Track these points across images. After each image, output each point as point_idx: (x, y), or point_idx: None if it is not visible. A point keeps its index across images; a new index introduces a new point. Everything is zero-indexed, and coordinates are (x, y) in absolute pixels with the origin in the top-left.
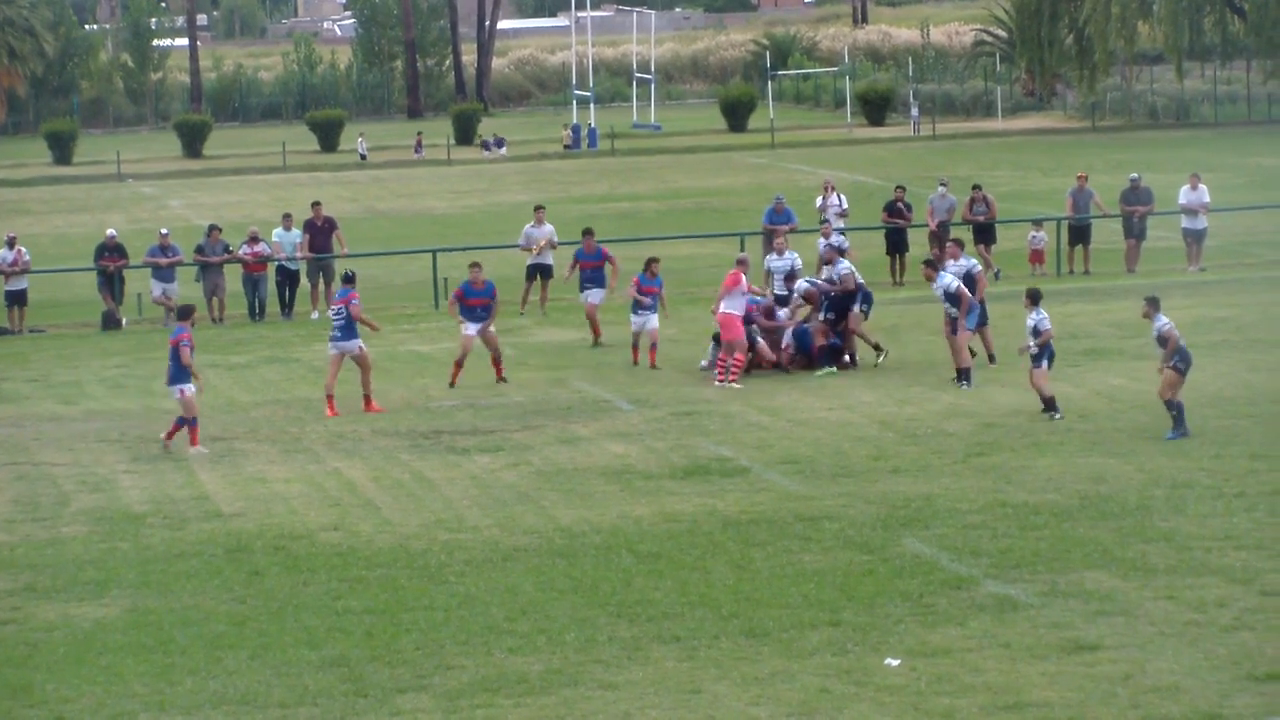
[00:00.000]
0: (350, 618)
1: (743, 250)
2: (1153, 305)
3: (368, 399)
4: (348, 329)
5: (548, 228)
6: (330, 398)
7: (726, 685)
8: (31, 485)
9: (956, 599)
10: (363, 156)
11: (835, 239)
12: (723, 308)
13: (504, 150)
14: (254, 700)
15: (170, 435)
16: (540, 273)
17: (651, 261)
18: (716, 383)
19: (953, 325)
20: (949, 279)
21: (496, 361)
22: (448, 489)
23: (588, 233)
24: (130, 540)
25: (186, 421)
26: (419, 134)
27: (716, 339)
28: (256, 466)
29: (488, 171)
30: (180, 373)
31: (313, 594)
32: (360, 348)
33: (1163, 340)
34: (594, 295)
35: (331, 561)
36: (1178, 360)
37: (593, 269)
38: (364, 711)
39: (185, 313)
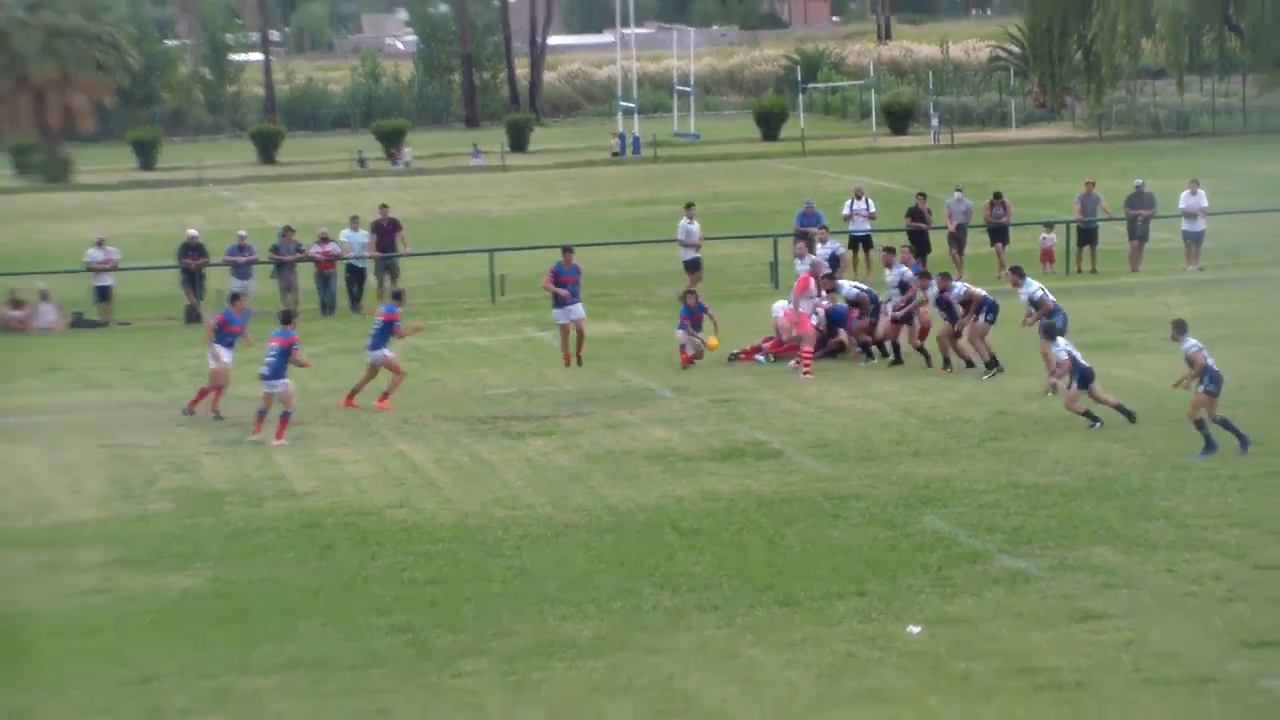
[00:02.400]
0: (415, 588)
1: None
2: (1179, 329)
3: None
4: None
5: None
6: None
7: (761, 650)
8: (123, 466)
9: (972, 572)
10: (405, 164)
11: (832, 244)
12: (795, 306)
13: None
14: (327, 664)
15: (258, 427)
16: (695, 266)
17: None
18: (803, 375)
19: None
20: (1035, 286)
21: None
22: (504, 470)
23: (568, 250)
24: (212, 516)
25: (286, 414)
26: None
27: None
28: (328, 449)
29: (539, 178)
30: (284, 368)
31: (380, 566)
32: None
33: (1189, 362)
34: (577, 310)
35: (397, 536)
36: (1209, 383)
37: (571, 285)
38: (428, 673)
39: (288, 317)
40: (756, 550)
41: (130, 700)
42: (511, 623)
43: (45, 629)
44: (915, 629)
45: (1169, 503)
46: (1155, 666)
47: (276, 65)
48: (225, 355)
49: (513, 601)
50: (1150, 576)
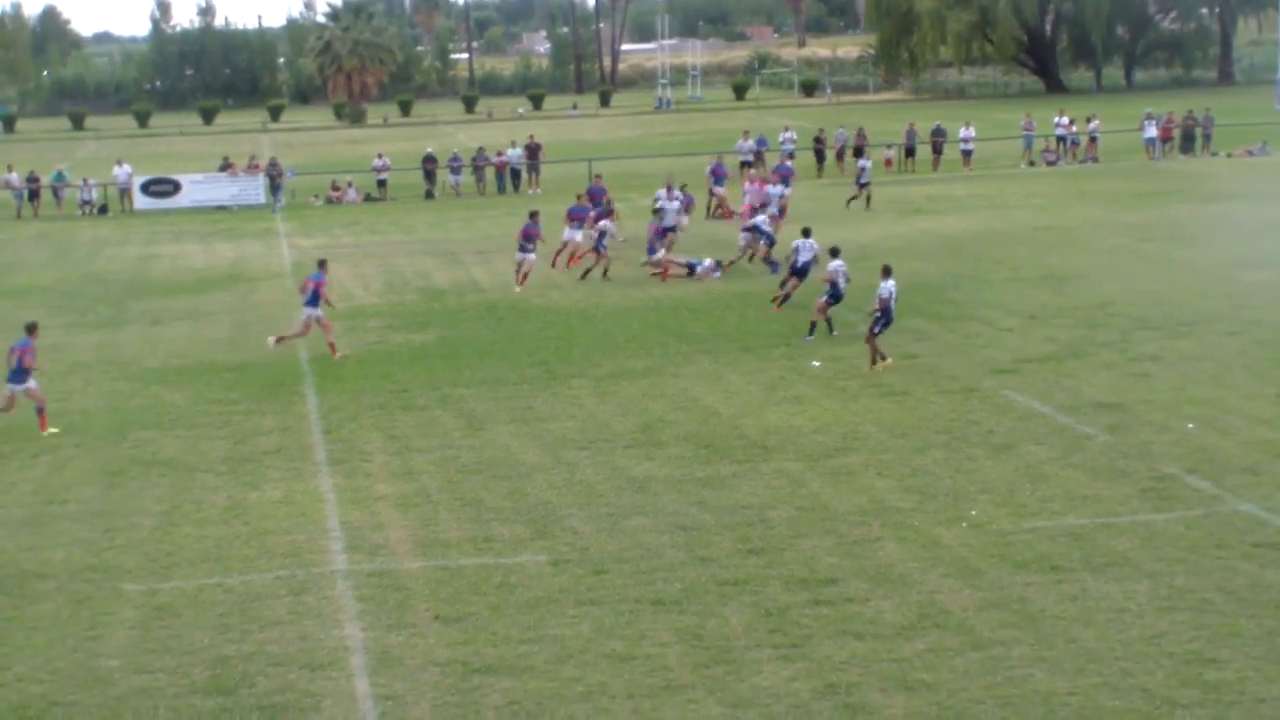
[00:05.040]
0: (547, 340)
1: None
2: (833, 253)
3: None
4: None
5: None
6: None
7: (734, 374)
8: (389, 275)
9: (847, 333)
10: (522, 114)
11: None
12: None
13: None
14: (499, 381)
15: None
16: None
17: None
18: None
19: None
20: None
21: None
22: (600, 284)
23: (598, 176)
24: (439, 303)
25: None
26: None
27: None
28: (500, 265)
29: (615, 121)
30: (530, 247)
31: (529, 329)
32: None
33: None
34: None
35: (539, 313)
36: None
37: (600, 199)
38: (554, 387)
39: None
40: (731, 321)
41: (395, 399)
42: (599, 359)
43: (346, 363)
44: (817, 364)
45: (953, 295)
46: (945, 382)
47: (475, 60)
48: (572, 233)
49: (600, 348)
50: (942, 334)
